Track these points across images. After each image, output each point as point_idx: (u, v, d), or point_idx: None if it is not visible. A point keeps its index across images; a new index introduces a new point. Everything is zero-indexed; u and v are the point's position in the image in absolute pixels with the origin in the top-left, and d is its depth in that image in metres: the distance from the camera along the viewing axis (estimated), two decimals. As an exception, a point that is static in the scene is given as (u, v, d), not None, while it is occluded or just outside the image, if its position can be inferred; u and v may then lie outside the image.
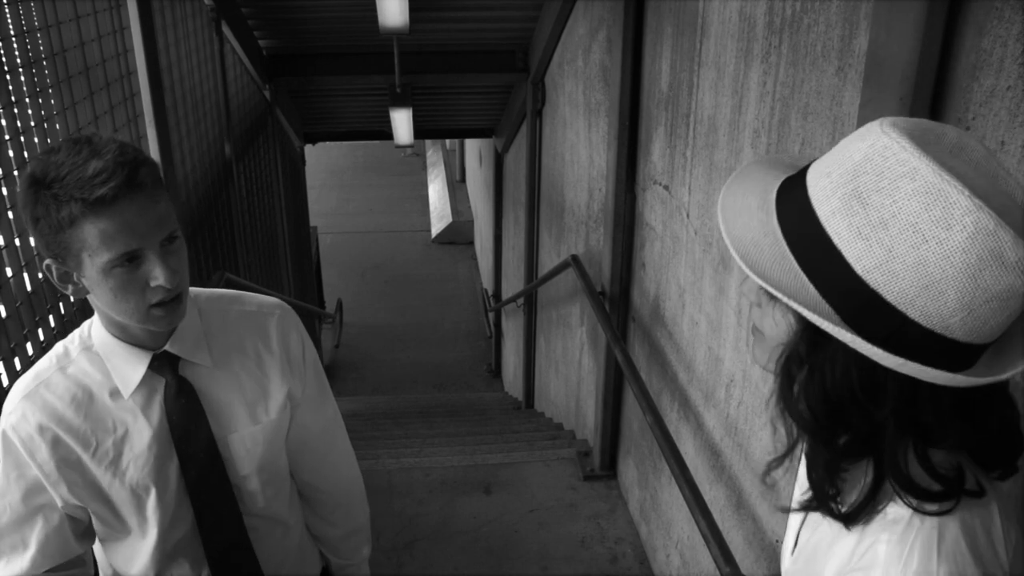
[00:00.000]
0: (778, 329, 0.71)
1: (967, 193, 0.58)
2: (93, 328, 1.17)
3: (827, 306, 0.64)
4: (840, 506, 0.72)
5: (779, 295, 0.65)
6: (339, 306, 9.57)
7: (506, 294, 8.05)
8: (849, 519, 0.71)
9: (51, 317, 2.11)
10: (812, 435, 0.71)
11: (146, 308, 1.06)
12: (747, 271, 0.67)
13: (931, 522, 0.67)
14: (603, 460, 3.59)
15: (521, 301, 6.07)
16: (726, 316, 2.19)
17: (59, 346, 1.18)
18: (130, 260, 1.01)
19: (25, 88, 2.06)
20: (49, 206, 0.97)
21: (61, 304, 2.17)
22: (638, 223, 3.07)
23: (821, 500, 0.73)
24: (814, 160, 0.71)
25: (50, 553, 1.19)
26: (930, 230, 0.59)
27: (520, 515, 3.33)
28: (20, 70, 2.05)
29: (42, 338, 2.06)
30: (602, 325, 3.11)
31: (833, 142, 1.58)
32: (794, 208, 0.68)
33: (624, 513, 3.35)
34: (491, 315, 8.89)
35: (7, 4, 2.00)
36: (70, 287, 1.06)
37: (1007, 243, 0.58)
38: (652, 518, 3.03)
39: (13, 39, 2.02)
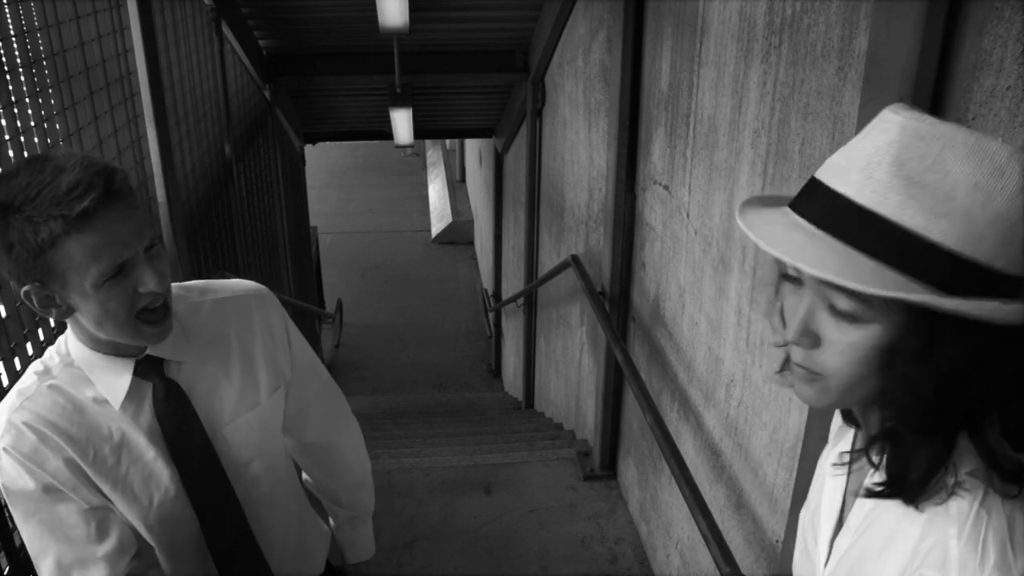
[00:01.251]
0: (857, 351, 0.69)
1: (997, 139, 0.63)
2: (70, 344, 1.13)
3: (939, 296, 0.64)
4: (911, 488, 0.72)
5: (905, 295, 0.64)
6: (339, 306, 9.57)
7: (506, 294, 8.05)
8: (918, 488, 0.70)
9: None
10: (919, 426, 0.69)
11: (136, 320, 1.03)
12: (875, 291, 0.64)
13: (998, 514, 0.67)
14: (603, 460, 3.59)
15: (521, 301, 6.07)
16: (726, 316, 2.19)
17: (37, 364, 1.14)
18: (119, 271, 0.99)
19: (25, 88, 2.06)
20: (24, 230, 0.93)
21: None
22: (638, 223, 3.07)
23: (910, 488, 0.71)
24: (817, 177, 0.70)
25: (120, 544, 1.15)
26: (991, 183, 0.62)
27: (520, 515, 3.33)
28: (20, 70, 2.05)
29: (42, 338, 2.06)
30: (602, 325, 3.11)
31: (833, 142, 1.58)
32: (850, 223, 0.67)
33: (624, 513, 3.35)
34: (491, 315, 8.89)
35: (7, 4, 2.00)
36: (53, 311, 1.02)
37: None
38: (652, 518, 3.03)
39: (13, 39, 2.02)
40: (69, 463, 1.10)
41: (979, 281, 0.63)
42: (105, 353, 1.11)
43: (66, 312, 1.03)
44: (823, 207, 0.69)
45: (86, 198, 0.93)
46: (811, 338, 0.71)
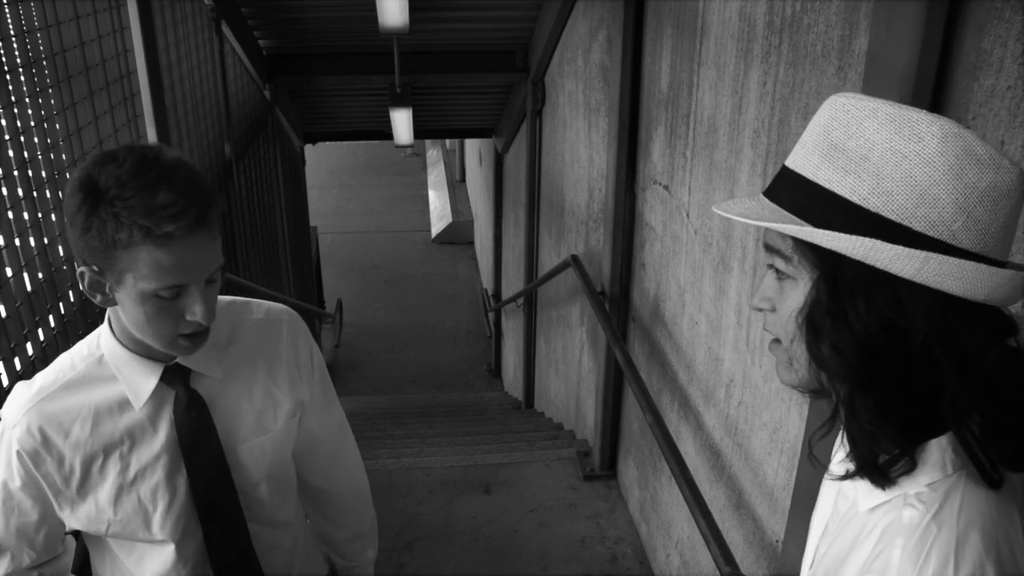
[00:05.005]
0: (790, 309, 0.74)
1: (923, 111, 0.66)
2: (103, 338, 1.14)
3: (808, 227, 0.69)
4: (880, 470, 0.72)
5: (780, 226, 0.69)
6: (339, 306, 9.57)
7: (506, 294, 8.05)
8: (886, 471, 0.71)
9: (51, 317, 2.11)
10: (849, 380, 0.71)
11: (175, 337, 1.04)
12: (792, 230, 0.70)
13: (948, 529, 0.67)
14: (603, 460, 3.59)
15: (521, 301, 6.07)
16: (726, 316, 2.19)
17: (65, 358, 1.15)
18: (173, 293, 1.00)
19: (25, 88, 2.06)
20: (107, 222, 0.93)
21: (61, 304, 2.17)
22: (638, 223, 3.07)
23: (864, 462, 0.72)
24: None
25: (40, 551, 1.20)
26: (906, 146, 0.65)
27: (520, 515, 3.33)
28: (20, 70, 2.05)
29: (42, 338, 2.06)
30: (602, 325, 3.11)
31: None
32: (780, 186, 0.74)
33: (624, 513, 3.35)
34: (491, 315, 8.89)
35: (7, 4, 2.00)
36: (99, 296, 1.04)
37: (974, 141, 0.64)
38: (652, 518, 3.03)
39: (13, 39, 2.02)
40: (63, 470, 1.12)
41: (888, 235, 0.66)
42: (137, 353, 1.12)
43: (110, 302, 1.04)
44: (775, 179, 0.76)
45: (175, 223, 0.93)
46: (768, 303, 0.77)
